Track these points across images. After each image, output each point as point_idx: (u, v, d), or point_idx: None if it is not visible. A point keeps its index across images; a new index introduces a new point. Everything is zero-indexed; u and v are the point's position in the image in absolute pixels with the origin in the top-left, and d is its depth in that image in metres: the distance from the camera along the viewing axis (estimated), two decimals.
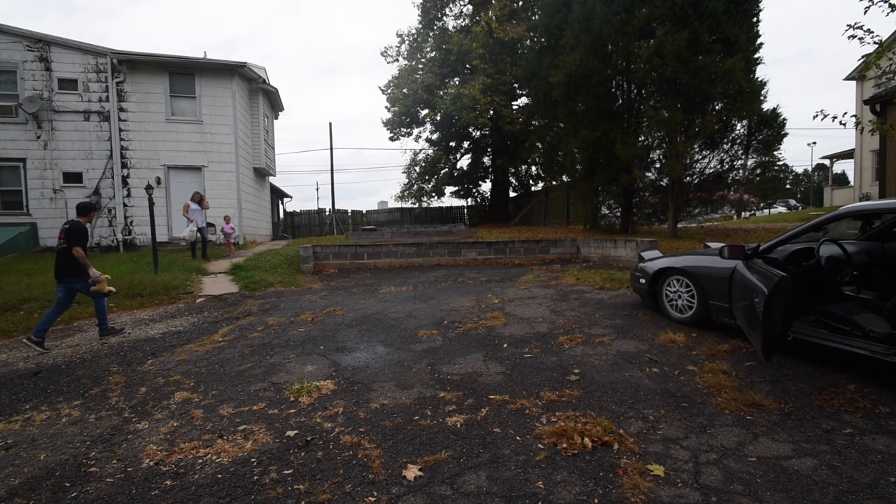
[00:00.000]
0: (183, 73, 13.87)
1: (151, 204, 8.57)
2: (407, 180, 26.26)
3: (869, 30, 5.78)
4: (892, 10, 5.77)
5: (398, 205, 28.48)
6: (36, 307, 6.65)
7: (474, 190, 27.40)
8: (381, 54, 32.68)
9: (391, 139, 25.54)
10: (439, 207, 28.41)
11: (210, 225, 14.12)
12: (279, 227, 23.88)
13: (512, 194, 26.19)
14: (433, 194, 26.24)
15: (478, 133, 24.64)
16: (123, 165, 13.49)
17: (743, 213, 13.34)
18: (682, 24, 10.66)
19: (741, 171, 12.35)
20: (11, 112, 12.89)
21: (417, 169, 26.16)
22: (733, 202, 13.30)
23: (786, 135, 11.47)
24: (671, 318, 4.81)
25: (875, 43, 5.80)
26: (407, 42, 24.40)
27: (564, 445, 2.47)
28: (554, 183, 19.02)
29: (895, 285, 3.85)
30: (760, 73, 20.58)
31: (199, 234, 11.08)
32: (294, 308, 6.37)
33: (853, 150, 20.21)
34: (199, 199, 11.10)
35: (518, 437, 2.61)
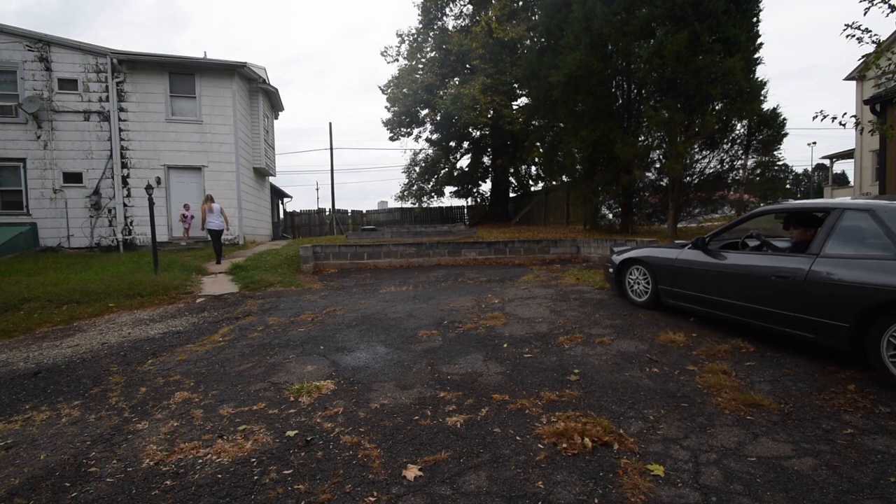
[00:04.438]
0: (183, 73, 13.87)
1: (151, 204, 8.57)
2: (407, 180, 26.31)
3: (867, 29, 5.77)
4: (893, 11, 5.77)
5: (398, 205, 28.54)
6: (36, 307, 6.64)
7: (474, 190, 27.42)
8: (381, 54, 32.78)
9: (391, 139, 25.59)
10: (439, 207, 28.43)
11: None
12: (279, 227, 23.88)
13: (512, 194, 26.20)
14: (433, 194, 26.28)
15: (478, 133, 24.67)
16: (123, 165, 13.50)
17: (742, 213, 13.30)
18: (682, 24, 10.65)
19: (741, 171, 12.36)
20: (11, 112, 12.90)
21: (417, 169, 26.20)
22: (733, 202, 13.33)
23: (786, 135, 11.48)
24: (632, 301, 5.54)
25: (874, 42, 5.79)
26: (407, 42, 24.42)
27: (564, 445, 2.47)
28: (554, 183, 19.03)
29: None
30: (760, 73, 20.57)
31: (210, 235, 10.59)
32: (294, 308, 6.37)
33: (853, 150, 20.20)
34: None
35: (518, 437, 2.61)
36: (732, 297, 4.17)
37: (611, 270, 5.98)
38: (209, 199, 10.61)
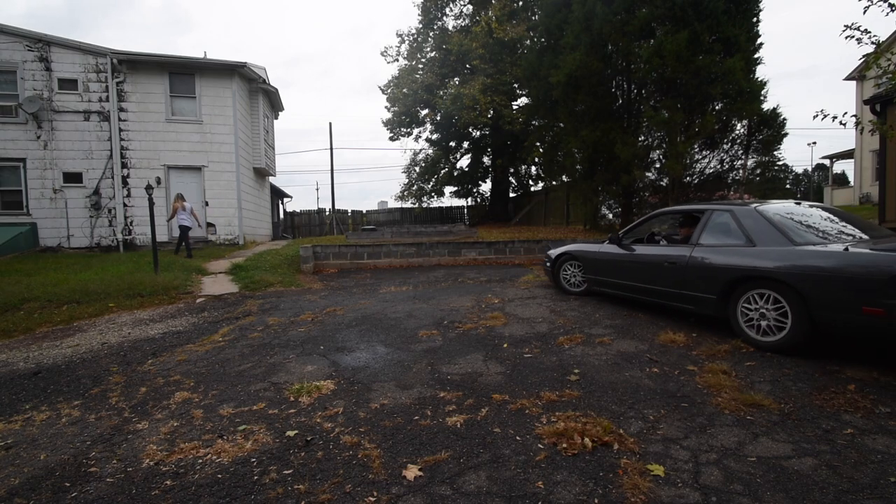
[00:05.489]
0: (183, 73, 13.86)
1: (151, 204, 8.56)
2: (407, 180, 26.29)
3: (866, 30, 5.76)
4: (892, 10, 5.76)
5: (398, 205, 28.51)
6: (36, 307, 6.65)
7: (474, 190, 27.40)
8: (382, 54, 32.77)
9: (391, 139, 25.57)
10: (439, 207, 28.41)
11: (210, 225, 14.15)
12: (279, 227, 23.87)
13: (512, 194, 26.18)
14: (433, 194, 26.26)
15: (478, 133, 24.65)
16: (123, 165, 13.49)
17: None
18: (682, 24, 10.65)
19: (741, 171, 12.35)
20: (11, 112, 12.89)
21: (417, 169, 26.18)
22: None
23: (786, 135, 11.47)
24: (567, 291, 6.36)
25: (873, 43, 5.78)
26: (407, 42, 24.41)
27: (564, 445, 2.47)
28: (554, 183, 19.01)
29: None
30: (760, 73, 20.56)
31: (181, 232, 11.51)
32: (294, 308, 6.37)
33: (853, 150, 20.20)
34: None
35: (518, 437, 2.61)
36: (639, 280, 5.11)
37: (548, 264, 6.79)
38: (180, 197, 11.54)
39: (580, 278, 6.18)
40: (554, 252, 6.66)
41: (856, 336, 3.50)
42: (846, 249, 3.49)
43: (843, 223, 4.26)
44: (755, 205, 4.30)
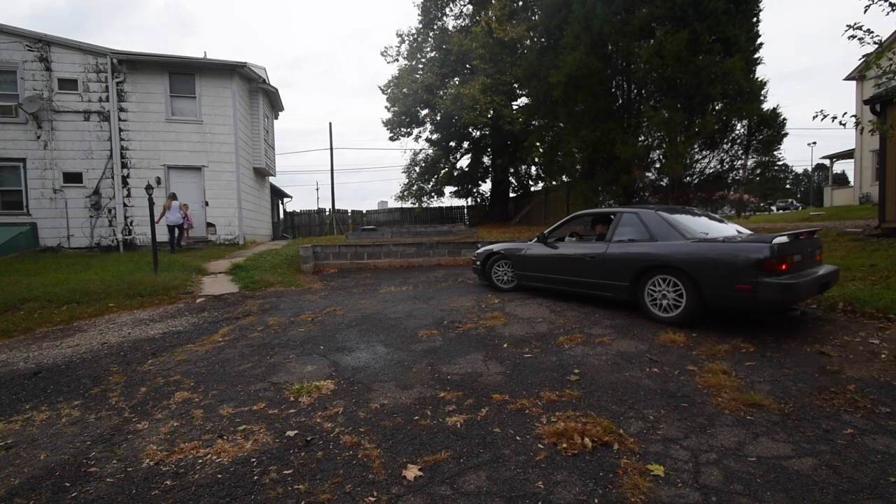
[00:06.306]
0: (183, 73, 13.86)
1: (151, 204, 8.56)
2: (407, 180, 26.26)
3: (869, 30, 5.76)
4: (893, 10, 5.76)
5: (398, 205, 28.47)
6: (36, 307, 6.65)
7: (474, 190, 27.37)
8: (382, 54, 32.73)
9: (391, 139, 25.52)
10: (439, 207, 28.38)
11: (210, 225, 14.15)
12: (279, 227, 23.87)
13: (512, 194, 26.15)
14: (433, 194, 26.22)
15: (478, 133, 24.62)
16: (123, 165, 13.49)
17: (742, 213, 13.27)
18: (682, 24, 10.64)
19: (741, 171, 12.34)
20: (11, 112, 12.89)
21: (417, 169, 26.15)
22: (733, 202, 13.32)
23: (786, 135, 11.44)
24: (498, 288, 6.80)
25: (875, 43, 5.78)
26: (407, 42, 24.39)
27: (564, 445, 2.47)
28: (554, 183, 18.98)
29: None
30: (760, 73, 20.52)
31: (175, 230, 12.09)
32: (294, 308, 6.37)
33: (853, 150, 20.21)
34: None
35: (518, 437, 2.61)
36: (564, 274, 5.82)
37: (478, 263, 7.25)
38: (172, 197, 12.22)
39: (511, 275, 6.69)
40: (482, 252, 7.16)
41: (734, 308, 4.38)
42: (723, 241, 4.41)
43: (724, 224, 5.30)
44: (655, 209, 5.23)
